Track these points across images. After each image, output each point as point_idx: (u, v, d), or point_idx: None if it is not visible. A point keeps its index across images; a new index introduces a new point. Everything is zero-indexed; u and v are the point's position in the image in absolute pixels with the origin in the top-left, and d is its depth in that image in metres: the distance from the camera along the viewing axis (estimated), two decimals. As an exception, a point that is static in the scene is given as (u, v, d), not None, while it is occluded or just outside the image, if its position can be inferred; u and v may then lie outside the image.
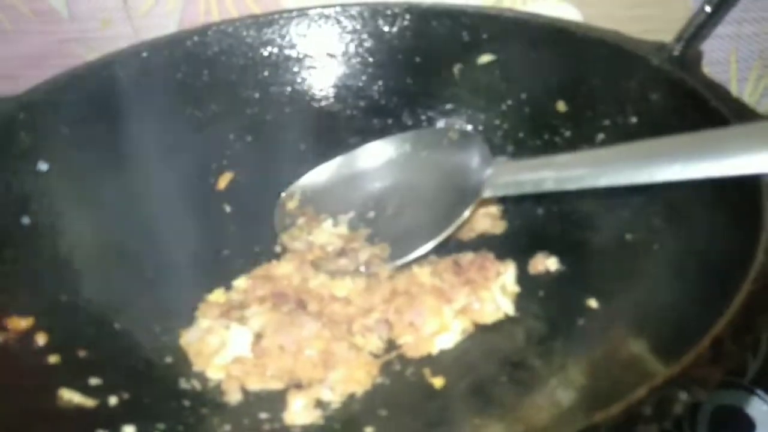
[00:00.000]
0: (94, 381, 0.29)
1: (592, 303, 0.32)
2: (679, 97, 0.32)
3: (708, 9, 0.34)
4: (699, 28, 0.34)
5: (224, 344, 0.35)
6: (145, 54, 0.44)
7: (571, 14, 0.48)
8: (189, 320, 0.36)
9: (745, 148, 0.25)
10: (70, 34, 0.53)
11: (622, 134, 0.36)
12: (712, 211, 0.27)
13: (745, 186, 0.24)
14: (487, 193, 0.36)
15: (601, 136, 0.38)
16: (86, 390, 0.28)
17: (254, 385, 0.33)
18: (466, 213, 0.37)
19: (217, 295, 0.38)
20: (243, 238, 0.42)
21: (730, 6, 0.41)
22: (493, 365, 0.33)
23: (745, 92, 0.51)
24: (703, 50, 0.48)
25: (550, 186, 0.32)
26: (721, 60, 0.49)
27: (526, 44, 0.42)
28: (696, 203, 0.28)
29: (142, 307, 0.36)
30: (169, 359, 0.34)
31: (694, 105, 0.31)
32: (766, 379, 0.37)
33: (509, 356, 0.33)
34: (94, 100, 0.41)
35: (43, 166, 0.37)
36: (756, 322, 0.18)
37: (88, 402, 0.27)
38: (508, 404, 0.30)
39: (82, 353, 0.31)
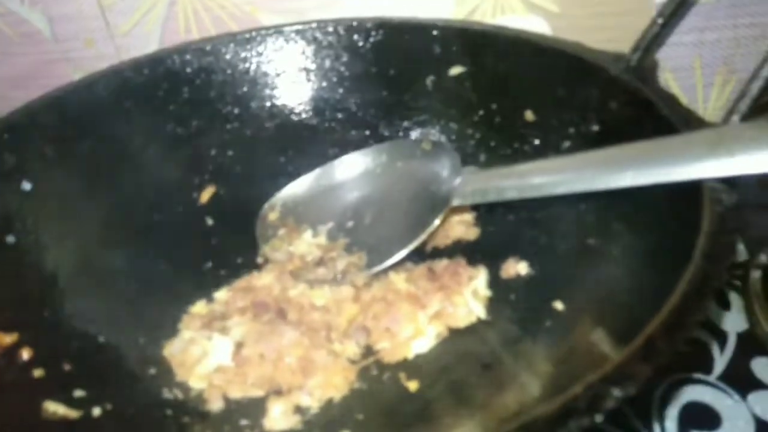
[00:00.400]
0: (78, 393, 0.30)
1: (558, 305, 0.34)
2: (634, 105, 0.34)
3: (660, 20, 0.35)
4: (654, 39, 0.36)
5: (206, 354, 0.36)
6: (126, 73, 0.45)
7: (539, 25, 0.50)
8: (172, 332, 0.37)
9: (687, 155, 0.26)
10: (55, 54, 0.55)
11: (586, 141, 0.38)
12: (662, 216, 0.28)
13: (689, 191, 0.26)
14: (455, 202, 0.37)
15: (567, 143, 0.39)
16: (70, 402, 0.29)
17: (235, 392, 0.34)
18: (436, 221, 0.38)
19: (200, 307, 0.39)
20: (225, 250, 0.43)
21: (683, 16, 0.42)
22: (466, 367, 0.34)
23: (711, 97, 0.53)
24: (667, 58, 0.50)
25: (512, 194, 0.33)
26: (686, 66, 0.51)
27: (495, 56, 0.44)
28: (650, 208, 0.30)
29: (126, 321, 0.37)
30: (152, 370, 0.35)
31: (648, 113, 0.32)
32: (732, 375, 0.39)
33: (481, 358, 0.34)
34: (77, 120, 0.42)
35: (26, 186, 0.38)
36: (688, 321, 0.19)
37: (72, 413, 0.29)
38: (479, 402, 0.32)
39: (66, 367, 0.32)
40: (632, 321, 0.25)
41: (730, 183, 0.26)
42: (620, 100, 0.35)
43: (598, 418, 0.17)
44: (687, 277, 0.20)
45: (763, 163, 0.24)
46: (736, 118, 0.27)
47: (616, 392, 0.17)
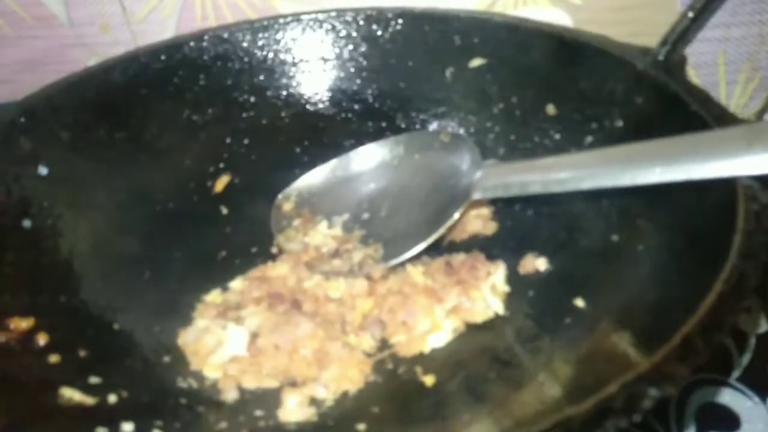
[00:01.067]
0: (93, 380, 0.30)
1: (579, 302, 0.33)
2: (662, 101, 0.33)
3: (691, 14, 0.34)
4: (683, 33, 0.35)
5: (221, 344, 0.36)
6: (142, 59, 0.45)
7: (561, 18, 0.49)
8: (187, 320, 0.37)
9: (721, 152, 0.25)
10: (70, 39, 0.54)
11: (609, 137, 0.37)
12: (691, 213, 0.28)
13: (721, 189, 0.25)
14: (476, 196, 0.37)
15: (589, 138, 0.39)
16: (86, 388, 0.29)
17: (250, 383, 0.34)
18: (456, 215, 0.38)
19: (214, 296, 0.39)
20: (240, 239, 0.43)
21: (714, 11, 0.42)
22: (482, 363, 0.34)
23: (734, 94, 0.52)
24: (691, 53, 0.49)
25: (536, 189, 0.32)
26: (710, 63, 0.50)
27: (516, 48, 0.43)
28: (677, 205, 0.29)
29: (141, 308, 0.37)
30: (167, 359, 0.35)
31: (677, 109, 0.32)
32: (752, 376, 0.38)
33: (499, 354, 0.34)
34: (93, 105, 0.42)
35: (43, 170, 0.38)
36: (725, 321, 0.18)
37: (88, 400, 0.28)
38: (496, 400, 0.31)
39: (82, 353, 0.31)
40: (659, 322, 0.24)
41: (764, 181, 0.25)
42: (647, 95, 0.34)
43: (636, 418, 0.16)
44: (724, 276, 0.20)
45: (801, 161, 0.23)
46: (771, 114, 0.27)
47: (654, 392, 0.17)
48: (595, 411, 0.16)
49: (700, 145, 0.27)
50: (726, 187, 0.25)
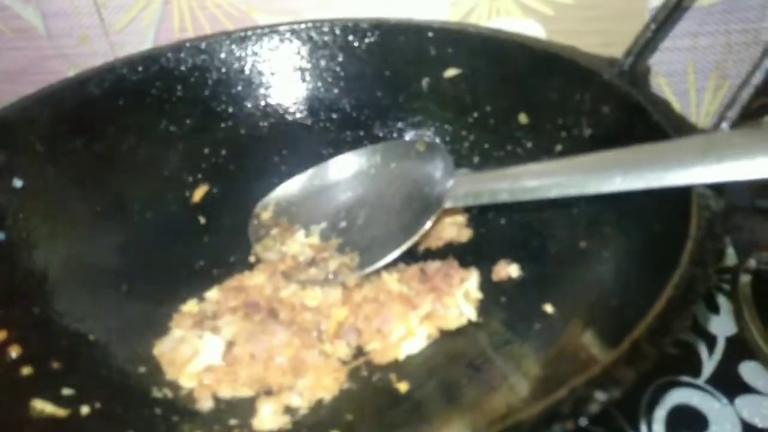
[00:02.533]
0: (66, 391, 0.30)
1: (548, 308, 0.34)
2: (626, 110, 0.34)
3: (653, 26, 0.35)
4: (646, 44, 0.36)
5: (197, 353, 0.36)
6: (119, 71, 0.45)
7: (534, 29, 0.50)
8: (163, 331, 0.37)
9: (678, 161, 0.26)
10: (48, 50, 0.54)
11: (578, 145, 0.38)
12: (651, 220, 0.29)
13: (678, 197, 0.26)
14: (447, 204, 0.37)
15: (559, 147, 0.40)
16: (58, 400, 0.29)
17: (225, 392, 0.34)
18: (428, 223, 0.38)
19: (191, 306, 0.39)
20: (218, 249, 0.43)
21: (675, 22, 0.43)
22: (456, 368, 0.34)
23: (704, 101, 0.53)
24: (661, 62, 0.51)
25: (504, 197, 0.33)
26: (680, 71, 0.51)
27: (490, 59, 0.44)
28: (640, 213, 0.30)
29: (117, 319, 0.37)
30: (142, 369, 0.35)
31: (640, 118, 0.32)
32: (720, 379, 0.39)
33: (472, 360, 0.35)
34: (69, 117, 0.42)
35: (18, 183, 0.38)
36: (673, 326, 0.19)
37: (60, 412, 0.28)
38: (469, 403, 0.32)
39: (55, 365, 0.31)
40: (621, 324, 0.25)
41: (720, 188, 0.26)
42: (612, 104, 0.35)
43: (582, 422, 0.17)
44: (674, 282, 0.21)
45: (752, 170, 0.24)
46: (725, 125, 0.27)
47: (601, 396, 0.17)
48: (544, 415, 0.17)
49: (658, 155, 0.27)
50: (682, 194, 0.26)
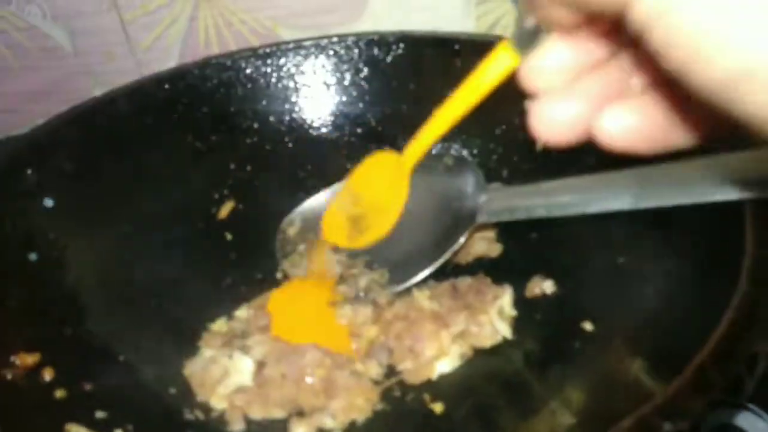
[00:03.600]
0: (100, 414, 0.30)
1: (587, 326, 0.33)
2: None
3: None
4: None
5: (227, 373, 0.35)
6: (146, 89, 0.45)
7: (561, 39, 0.49)
8: (193, 350, 0.37)
9: (733, 172, 0.25)
10: (75, 68, 0.55)
11: (612, 158, 0.37)
12: (699, 237, 0.28)
13: (731, 211, 0.25)
14: (480, 220, 0.37)
15: (591, 160, 0.39)
16: (92, 424, 0.29)
17: (257, 413, 0.34)
18: (462, 239, 0.38)
19: (220, 325, 0.39)
20: (245, 266, 0.43)
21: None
22: (492, 389, 0.34)
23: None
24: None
25: (541, 213, 0.32)
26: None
27: (518, 71, 0.43)
28: (686, 229, 0.29)
29: (146, 339, 0.36)
30: (173, 390, 0.34)
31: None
32: (763, 397, 0.37)
33: (508, 380, 0.34)
34: (97, 136, 0.43)
35: (48, 203, 0.38)
36: (738, 350, 0.18)
37: (95, 436, 0.28)
38: (507, 428, 0.31)
39: (87, 386, 0.31)
40: (673, 348, 0.24)
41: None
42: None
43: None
44: (734, 304, 0.20)
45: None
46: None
47: (668, 426, 0.16)
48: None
49: (708, 167, 0.26)
50: (735, 209, 0.25)
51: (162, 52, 0.53)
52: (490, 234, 0.43)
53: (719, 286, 0.22)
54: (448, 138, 0.47)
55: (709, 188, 0.26)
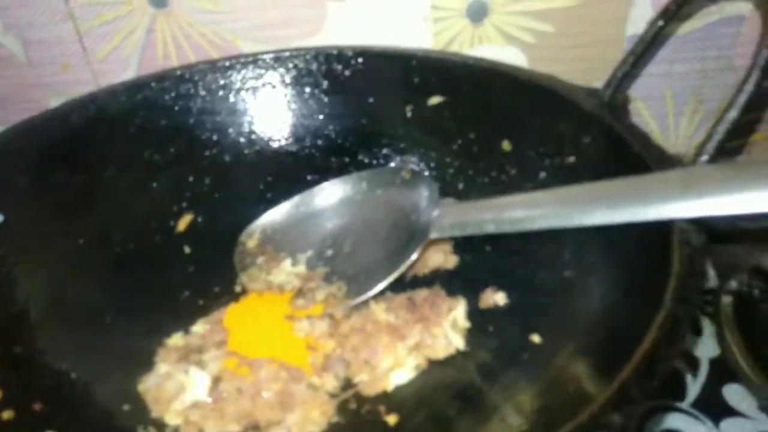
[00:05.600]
0: (50, 434, 0.30)
1: (536, 338, 0.34)
2: (607, 141, 0.35)
3: (631, 59, 0.36)
4: (624, 76, 0.37)
5: (183, 389, 0.35)
6: (102, 101, 0.44)
7: (516, 56, 0.51)
8: (148, 366, 0.37)
9: (660, 196, 0.27)
10: (30, 79, 0.54)
11: (562, 173, 0.39)
12: (636, 253, 0.29)
13: (661, 231, 0.26)
14: (433, 235, 0.38)
15: (543, 174, 0.40)
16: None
17: (212, 429, 0.34)
18: (414, 255, 0.38)
19: (176, 339, 0.39)
20: (203, 279, 0.43)
21: (654, 54, 0.44)
22: (446, 399, 0.34)
23: (682, 125, 0.54)
24: (640, 87, 0.52)
25: (490, 228, 0.34)
26: (658, 96, 0.53)
27: (473, 87, 0.45)
28: (625, 245, 0.30)
29: (100, 355, 0.36)
30: (126, 407, 0.34)
31: (620, 149, 0.33)
32: (705, 402, 0.39)
33: (461, 389, 0.35)
34: (51, 149, 0.42)
35: (-2, 218, 0.37)
36: (658, 369, 0.19)
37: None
38: (461, 435, 0.32)
39: (37, 406, 0.31)
40: (610, 356, 0.25)
41: (700, 223, 0.27)
42: (594, 135, 0.36)
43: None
44: (658, 323, 0.21)
45: (730, 206, 0.25)
46: (704, 158, 0.28)
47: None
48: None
49: (639, 189, 0.28)
50: (664, 228, 0.26)
51: (119, 63, 0.52)
52: (447, 246, 0.44)
53: (648, 300, 0.23)
54: (406, 151, 0.48)
55: (642, 208, 0.27)
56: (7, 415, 0.29)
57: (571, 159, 0.38)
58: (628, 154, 0.32)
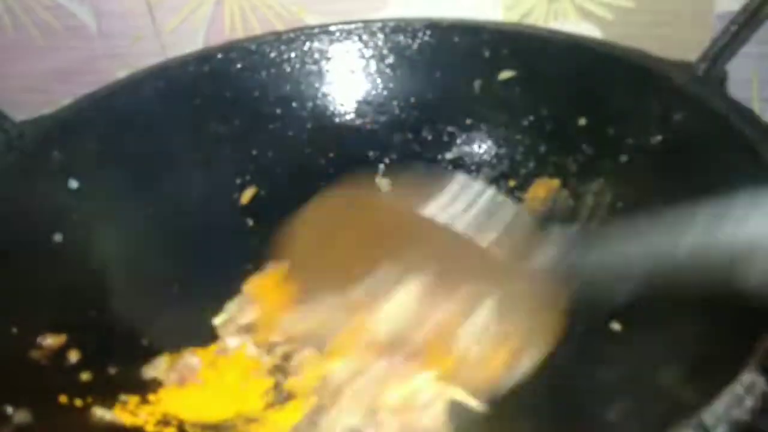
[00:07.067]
0: (123, 398, 0.30)
1: (615, 326, 0.32)
2: (702, 118, 0.32)
3: (734, 29, 0.33)
4: (723, 48, 0.34)
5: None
6: (171, 71, 0.45)
7: (592, 33, 0.48)
8: (212, 336, 0.37)
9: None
10: (100, 50, 0.55)
11: (646, 154, 0.36)
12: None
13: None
14: None
15: (624, 157, 0.38)
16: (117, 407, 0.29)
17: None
18: None
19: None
20: (266, 252, 0.43)
21: (757, 27, 0.40)
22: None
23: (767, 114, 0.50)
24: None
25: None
26: (743, 79, 0.49)
27: (547, 61, 0.42)
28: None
29: (168, 322, 0.37)
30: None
31: (719, 127, 0.31)
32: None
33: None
34: (122, 117, 0.42)
35: (73, 184, 0.38)
36: None
37: (120, 419, 0.28)
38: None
39: (112, 370, 0.31)
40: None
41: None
42: (686, 111, 0.33)
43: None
44: None
45: None
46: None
47: None
48: None
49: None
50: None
51: (187, 35, 0.53)
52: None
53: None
54: (473, 128, 0.47)
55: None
56: (85, 376, 0.30)
57: (658, 138, 0.36)
58: (728, 132, 0.30)
